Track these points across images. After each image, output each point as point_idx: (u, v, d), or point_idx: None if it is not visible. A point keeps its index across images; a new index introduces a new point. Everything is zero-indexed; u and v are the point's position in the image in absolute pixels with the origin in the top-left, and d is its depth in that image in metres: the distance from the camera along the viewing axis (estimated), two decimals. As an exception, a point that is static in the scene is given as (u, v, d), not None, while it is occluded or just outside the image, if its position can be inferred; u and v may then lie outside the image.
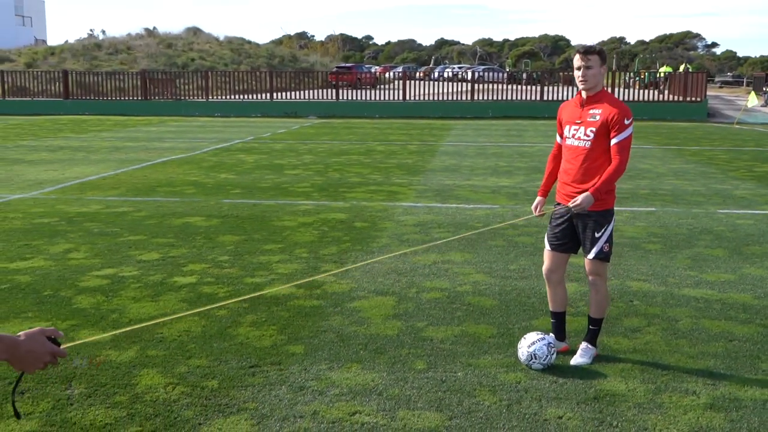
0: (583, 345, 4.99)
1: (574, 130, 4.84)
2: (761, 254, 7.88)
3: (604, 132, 4.72)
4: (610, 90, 30.54)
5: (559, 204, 5.00)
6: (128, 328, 5.29)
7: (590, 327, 4.99)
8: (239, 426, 4.02)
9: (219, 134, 22.49)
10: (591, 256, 4.85)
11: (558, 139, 5.10)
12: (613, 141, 4.72)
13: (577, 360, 4.90)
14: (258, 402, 4.31)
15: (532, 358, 4.76)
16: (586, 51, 4.70)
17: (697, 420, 4.13)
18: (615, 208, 4.97)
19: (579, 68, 4.73)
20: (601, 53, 4.74)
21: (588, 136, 4.76)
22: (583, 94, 4.82)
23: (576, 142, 4.83)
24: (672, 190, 12.07)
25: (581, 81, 4.74)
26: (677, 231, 8.96)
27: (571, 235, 4.95)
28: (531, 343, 4.78)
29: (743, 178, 13.60)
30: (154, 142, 19.83)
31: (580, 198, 4.73)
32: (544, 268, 5.10)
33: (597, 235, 4.82)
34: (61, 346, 2.20)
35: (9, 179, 13.15)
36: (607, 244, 4.85)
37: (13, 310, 5.95)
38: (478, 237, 8.52)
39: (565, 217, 4.93)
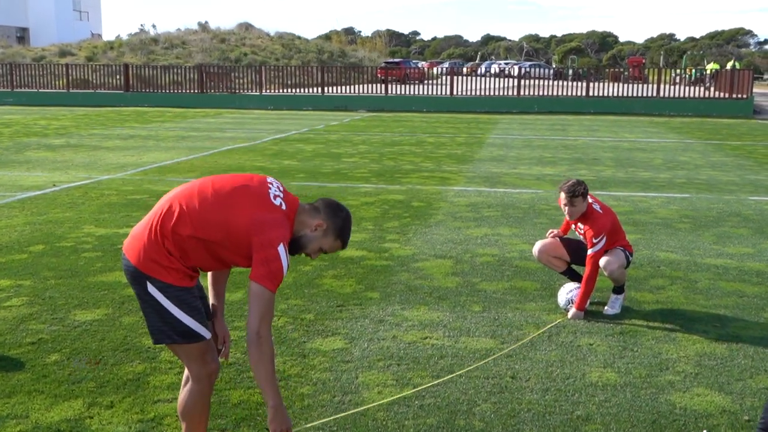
0: (612, 297, 5.92)
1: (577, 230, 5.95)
2: (782, 233, 8.72)
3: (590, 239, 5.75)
4: (657, 86, 31.37)
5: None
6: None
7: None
8: (335, 343, 5.10)
9: (275, 125, 23.73)
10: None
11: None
12: (588, 252, 5.72)
13: (607, 311, 5.85)
14: (347, 329, 5.39)
15: (569, 303, 5.74)
16: (572, 195, 5.59)
17: (704, 348, 5.09)
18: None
19: (565, 205, 5.68)
20: (583, 194, 5.62)
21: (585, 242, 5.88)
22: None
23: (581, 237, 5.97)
24: (707, 180, 12.86)
25: (568, 214, 5.75)
26: (707, 214, 9.82)
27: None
28: (569, 291, 5.79)
29: (778, 170, 14.31)
30: (216, 132, 21.12)
31: (570, 314, 5.69)
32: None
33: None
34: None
35: (94, 162, 14.47)
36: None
37: (134, 263, 7.12)
38: (524, 215, 9.50)
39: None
